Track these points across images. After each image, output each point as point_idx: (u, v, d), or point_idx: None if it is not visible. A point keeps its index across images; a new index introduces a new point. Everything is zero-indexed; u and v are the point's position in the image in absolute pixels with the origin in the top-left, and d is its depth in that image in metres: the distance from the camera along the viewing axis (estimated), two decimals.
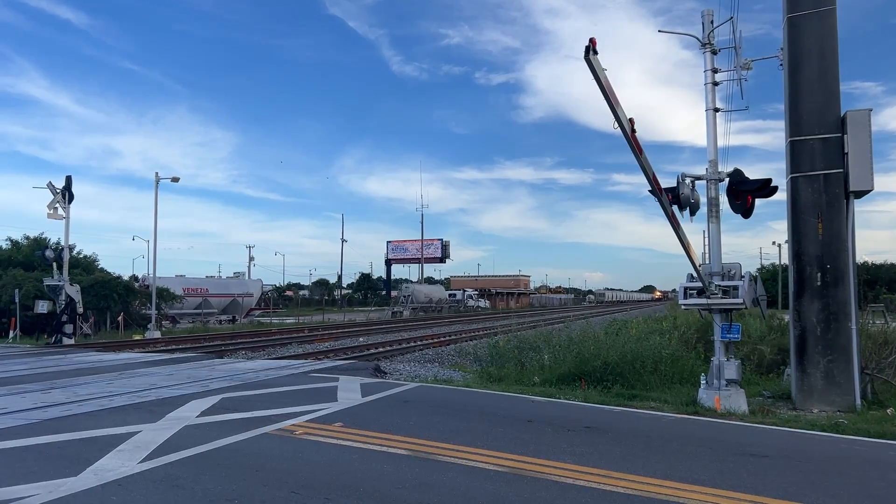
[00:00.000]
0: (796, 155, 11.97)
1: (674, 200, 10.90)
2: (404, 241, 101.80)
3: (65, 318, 27.26)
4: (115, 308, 34.94)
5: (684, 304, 11.88)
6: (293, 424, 8.91)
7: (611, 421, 9.69)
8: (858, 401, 11.28)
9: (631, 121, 8.79)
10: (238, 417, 9.46)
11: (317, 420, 9.26)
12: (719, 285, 11.16)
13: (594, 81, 8.21)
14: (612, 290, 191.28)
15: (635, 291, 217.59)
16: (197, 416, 9.55)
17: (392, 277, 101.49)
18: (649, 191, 9.96)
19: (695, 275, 11.34)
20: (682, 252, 10.77)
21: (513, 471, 6.65)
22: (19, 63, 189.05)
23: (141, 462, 6.86)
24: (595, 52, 7.96)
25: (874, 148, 11.42)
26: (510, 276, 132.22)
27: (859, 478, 6.71)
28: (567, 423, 9.37)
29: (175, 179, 35.51)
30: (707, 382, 11.38)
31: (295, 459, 7.08)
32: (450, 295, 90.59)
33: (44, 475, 6.37)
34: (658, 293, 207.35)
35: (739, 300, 11.04)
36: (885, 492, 6.22)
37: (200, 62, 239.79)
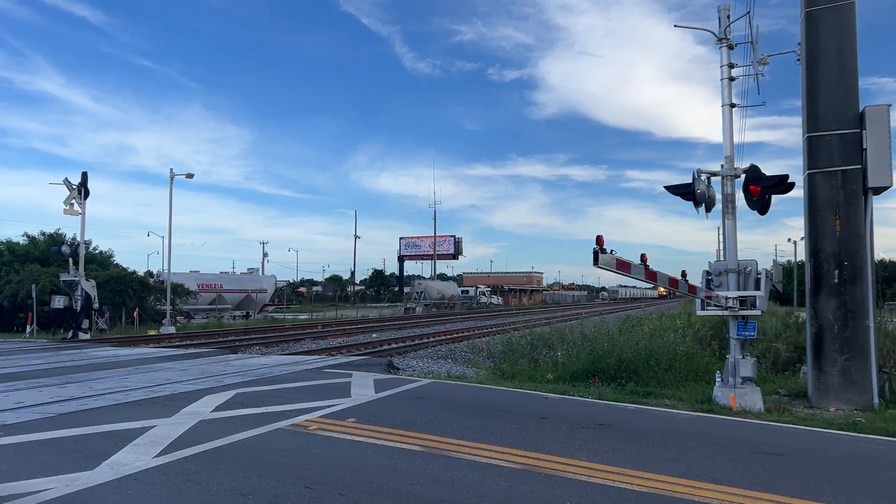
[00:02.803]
0: (813, 151, 11.84)
1: (689, 197, 10.85)
2: (417, 237, 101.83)
3: (81, 313, 27.51)
4: (130, 303, 35.21)
5: (702, 315, 11.84)
6: (307, 420, 8.94)
7: (625, 418, 9.65)
8: (876, 399, 11.15)
9: (643, 257, 9.69)
10: (252, 413, 9.51)
11: (330, 416, 9.29)
12: (736, 298, 11.01)
13: (608, 272, 9.47)
14: (625, 286, 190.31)
15: (649, 288, 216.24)
16: (211, 411, 9.62)
17: (405, 274, 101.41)
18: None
19: (710, 274, 11.31)
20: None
21: (526, 468, 6.64)
22: (35, 60, 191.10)
23: (156, 456, 6.92)
24: (603, 251, 9.01)
25: (893, 144, 11.27)
26: (523, 272, 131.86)
27: (876, 477, 6.64)
28: (581, 420, 9.34)
29: (189, 176, 35.72)
30: (722, 380, 11.29)
31: (308, 455, 7.10)
32: (462, 292, 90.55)
33: (60, 469, 6.44)
34: (661, 290, 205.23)
35: (757, 311, 10.92)
36: None
37: (215, 59, 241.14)
